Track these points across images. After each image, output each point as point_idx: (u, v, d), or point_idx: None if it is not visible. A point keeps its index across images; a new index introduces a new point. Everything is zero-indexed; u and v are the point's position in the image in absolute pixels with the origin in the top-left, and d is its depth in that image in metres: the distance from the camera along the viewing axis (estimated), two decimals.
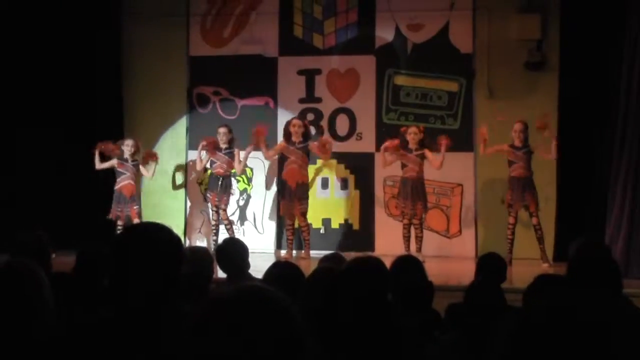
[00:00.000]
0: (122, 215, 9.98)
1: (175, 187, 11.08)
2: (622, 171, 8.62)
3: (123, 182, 10.02)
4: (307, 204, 9.98)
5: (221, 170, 10.16)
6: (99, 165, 10.08)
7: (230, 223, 10.34)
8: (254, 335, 1.39)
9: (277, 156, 10.45)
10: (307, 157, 10.05)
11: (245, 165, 10.44)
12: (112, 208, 9.99)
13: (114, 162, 10.05)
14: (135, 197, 10.08)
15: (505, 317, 1.33)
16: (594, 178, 9.58)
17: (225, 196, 10.20)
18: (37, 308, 2.37)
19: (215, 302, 1.45)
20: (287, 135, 10.01)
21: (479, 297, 3.85)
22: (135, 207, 10.01)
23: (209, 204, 10.31)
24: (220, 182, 10.14)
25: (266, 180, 10.97)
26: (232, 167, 10.26)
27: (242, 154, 10.21)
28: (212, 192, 10.18)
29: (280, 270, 4.04)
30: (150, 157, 10.30)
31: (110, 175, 10.15)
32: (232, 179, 10.54)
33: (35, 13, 10.45)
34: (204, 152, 10.31)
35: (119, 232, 9.66)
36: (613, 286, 3.43)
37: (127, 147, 10.02)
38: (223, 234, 10.01)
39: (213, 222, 10.31)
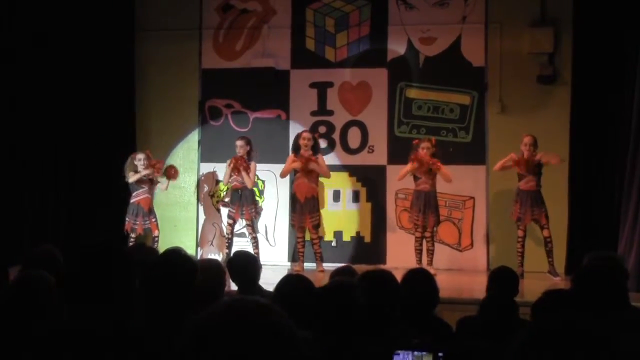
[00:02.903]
0: (138, 228, 9.99)
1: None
2: (634, 184, 8.61)
3: (141, 196, 10.01)
4: (318, 216, 9.99)
5: (238, 184, 10.12)
6: (133, 177, 10.02)
7: (256, 239, 10.20)
8: (242, 350, 1.40)
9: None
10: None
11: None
12: (126, 221, 10.01)
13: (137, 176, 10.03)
14: (153, 209, 10.10)
15: (518, 333, 1.34)
16: (607, 191, 9.54)
17: (251, 208, 10.14)
18: (47, 313, 2.42)
19: (201, 320, 1.46)
20: (297, 148, 10.03)
21: (494, 312, 3.85)
22: (154, 220, 10.04)
23: (231, 218, 10.22)
24: (239, 195, 10.11)
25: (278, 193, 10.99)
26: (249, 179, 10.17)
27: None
28: (234, 206, 10.15)
29: (291, 283, 4.05)
30: (171, 175, 10.21)
31: (121, 187, 10.15)
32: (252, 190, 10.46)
33: (48, 27, 10.52)
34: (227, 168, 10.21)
35: (131, 244, 9.70)
36: (618, 297, 3.41)
37: (140, 161, 10.01)
38: (236, 247, 10.02)
39: (227, 235, 10.29)
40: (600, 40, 9.62)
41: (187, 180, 11.11)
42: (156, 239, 9.95)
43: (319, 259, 10.02)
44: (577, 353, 1.23)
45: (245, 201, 10.10)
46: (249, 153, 10.08)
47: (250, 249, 9.62)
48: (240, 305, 1.46)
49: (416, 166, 9.54)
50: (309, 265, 10.12)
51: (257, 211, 10.38)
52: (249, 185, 10.12)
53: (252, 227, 10.23)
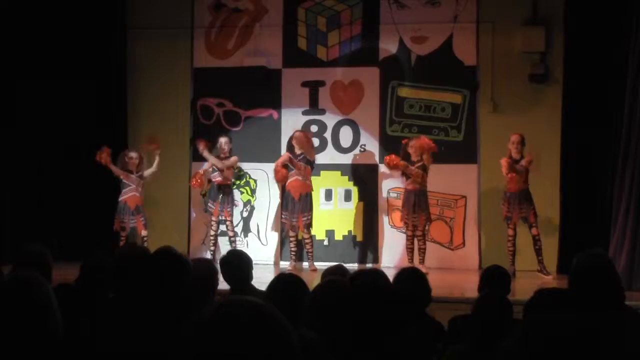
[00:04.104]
0: (126, 226, 9.96)
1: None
2: (625, 183, 8.63)
3: (128, 194, 9.97)
4: (311, 216, 9.98)
5: (220, 179, 10.13)
6: (114, 168, 9.96)
7: (235, 236, 10.33)
8: (243, 349, 1.39)
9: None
10: (311, 168, 10.05)
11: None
12: (115, 219, 9.97)
13: (119, 172, 9.96)
14: (141, 208, 10.04)
15: (510, 332, 1.34)
16: (598, 190, 9.57)
17: (229, 207, 10.18)
18: (45, 318, 2.42)
19: (201, 321, 1.45)
20: (290, 147, 10.07)
21: (489, 311, 3.85)
22: (141, 219, 9.97)
23: (211, 214, 10.22)
24: (221, 192, 10.10)
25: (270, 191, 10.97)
26: (232, 176, 10.20)
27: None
28: (214, 202, 10.14)
29: (283, 282, 4.03)
30: (152, 146, 10.11)
31: (113, 186, 10.11)
32: (234, 189, 10.51)
33: (42, 24, 10.50)
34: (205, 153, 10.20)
35: (122, 242, 9.68)
36: (615, 298, 3.41)
37: (132, 159, 9.99)
38: (225, 246, 10.02)
39: (212, 233, 10.25)
40: (591, 39, 9.65)
41: (178, 179, 11.07)
42: (145, 238, 9.89)
43: (311, 258, 10.02)
44: (570, 354, 1.23)
45: (226, 199, 10.11)
46: (231, 151, 10.14)
47: (243, 248, 9.62)
48: (237, 306, 1.45)
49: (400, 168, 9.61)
50: (301, 265, 10.12)
51: (232, 211, 10.35)
52: (220, 166, 10.06)
53: (232, 225, 10.24)
